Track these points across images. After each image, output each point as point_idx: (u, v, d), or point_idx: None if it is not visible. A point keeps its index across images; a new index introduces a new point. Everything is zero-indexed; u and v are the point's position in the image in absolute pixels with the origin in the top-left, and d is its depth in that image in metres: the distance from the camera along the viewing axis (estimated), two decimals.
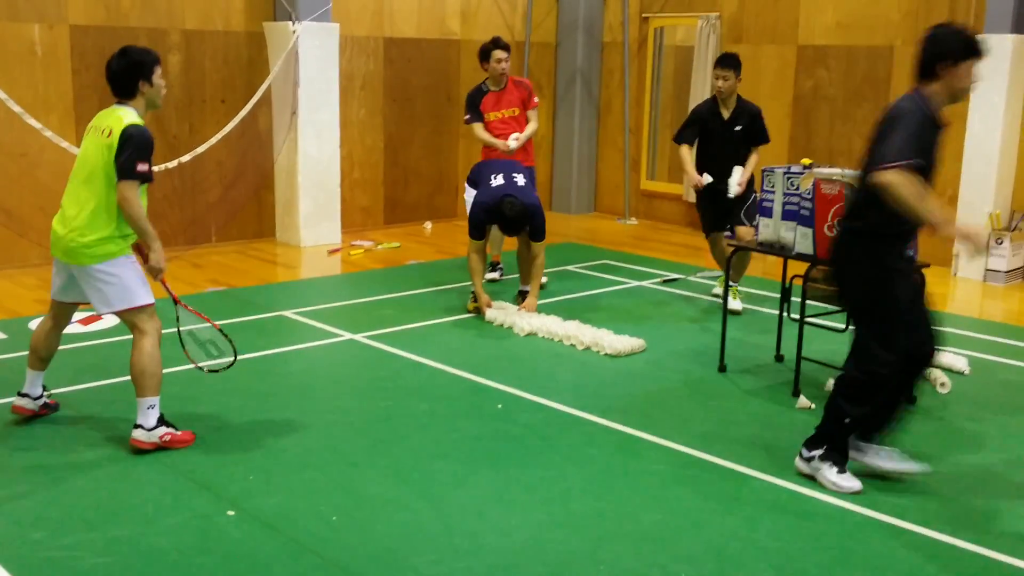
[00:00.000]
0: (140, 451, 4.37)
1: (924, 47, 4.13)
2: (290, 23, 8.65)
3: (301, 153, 8.86)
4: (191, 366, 4.86)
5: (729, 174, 6.73)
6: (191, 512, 3.87)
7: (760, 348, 6.15)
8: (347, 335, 6.28)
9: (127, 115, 4.31)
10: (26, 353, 4.76)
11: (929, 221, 3.90)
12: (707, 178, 6.82)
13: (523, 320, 6.45)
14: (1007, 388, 5.59)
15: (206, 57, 8.66)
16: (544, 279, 7.47)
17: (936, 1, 8.57)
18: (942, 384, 5.47)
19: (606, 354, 5.98)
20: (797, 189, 5.26)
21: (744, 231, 6.76)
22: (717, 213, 6.97)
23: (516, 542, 3.71)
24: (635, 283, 7.90)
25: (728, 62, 6.76)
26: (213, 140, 8.46)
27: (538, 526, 3.83)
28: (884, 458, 4.30)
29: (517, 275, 7.31)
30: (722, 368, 5.74)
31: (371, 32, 9.66)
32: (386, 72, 9.83)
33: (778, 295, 5.93)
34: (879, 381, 4.10)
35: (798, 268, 5.31)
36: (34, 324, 6.03)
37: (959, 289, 8.07)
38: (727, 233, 7.04)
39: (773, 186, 5.44)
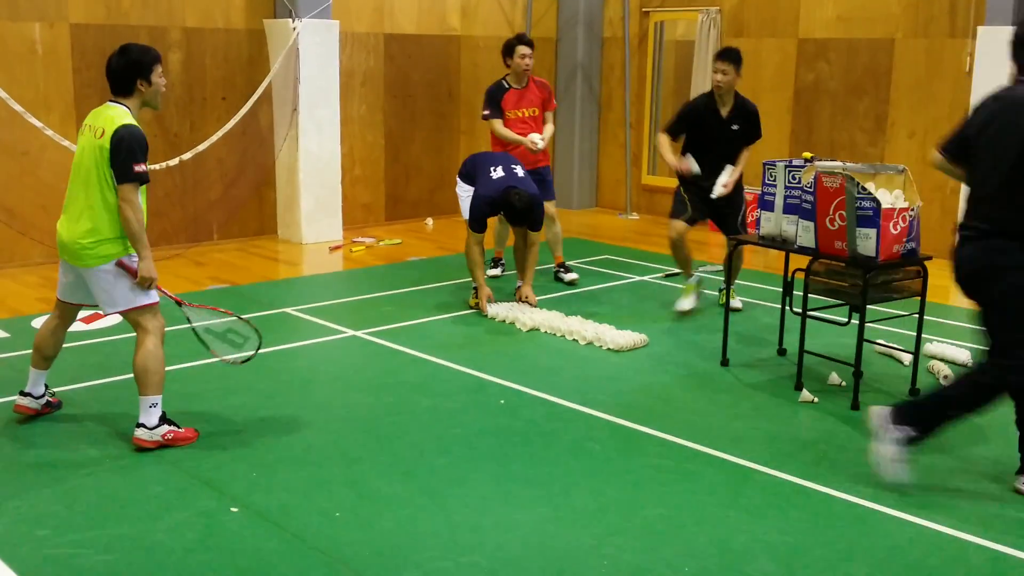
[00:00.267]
0: (142, 450, 4.37)
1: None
2: (290, 20, 8.65)
3: (302, 150, 8.86)
4: (197, 363, 4.86)
5: (719, 173, 6.53)
6: (194, 509, 3.88)
7: (762, 342, 6.15)
8: (349, 332, 6.28)
9: (119, 115, 4.29)
10: (29, 352, 4.77)
11: None
12: (695, 167, 6.56)
13: (525, 315, 6.45)
14: None
15: (206, 55, 8.66)
16: (575, 275, 7.63)
17: None
18: (945, 376, 5.47)
19: (608, 349, 5.98)
20: (799, 183, 5.25)
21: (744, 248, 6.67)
22: (699, 207, 6.67)
23: (519, 537, 3.71)
24: (637, 278, 7.89)
25: (728, 56, 6.50)
26: (214, 138, 8.46)
27: (541, 521, 3.83)
28: (892, 452, 4.16)
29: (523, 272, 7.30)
30: (724, 362, 5.74)
31: (371, 28, 9.66)
32: (387, 68, 9.83)
33: (780, 289, 5.93)
34: (1008, 386, 3.99)
35: (800, 262, 5.30)
36: (37, 323, 6.04)
37: None
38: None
39: (775, 179, 5.43)
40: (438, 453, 4.46)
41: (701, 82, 9.96)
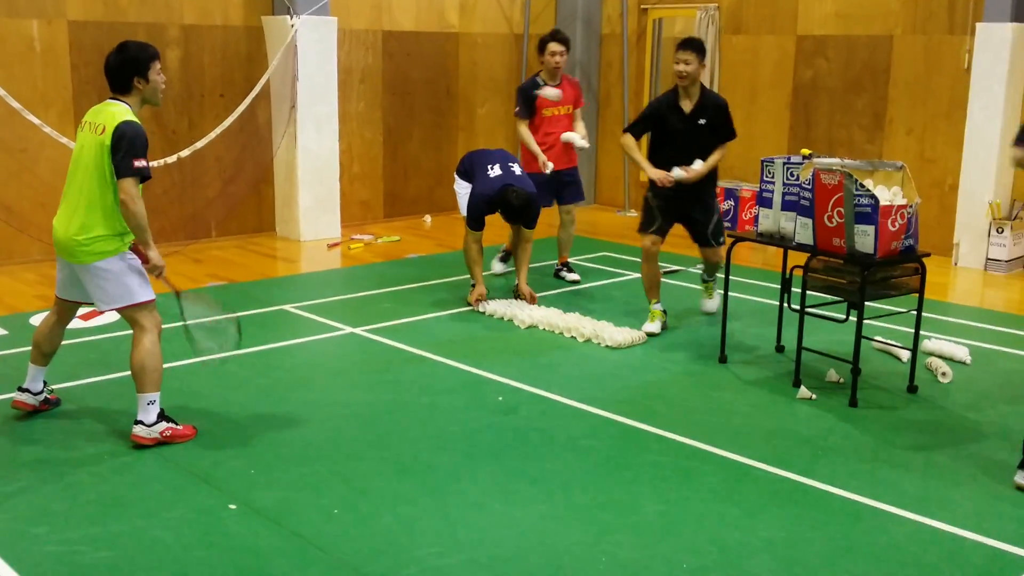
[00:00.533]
0: (141, 447, 4.37)
1: None
2: (288, 17, 8.64)
3: (300, 147, 8.86)
4: (195, 360, 4.85)
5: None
6: (193, 506, 3.88)
7: (761, 339, 6.15)
8: (347, 329, 6.28)
9: (120, 112, 4.30)
10: (27, 349, 4.77)
11: None
12: (677, 172, 6.00)
13: (524, 313, 6.45)
14: (1008, 377, 5.59)
15: (204, 52, 8.65)
16: (575, 276, 7.53)
17: None
18: (943, 374, 5.47)
19: (607, 346, 5.98)
20: (797, 179, 5.25)
21: (712, 255, 6.37)
22: (669, 213, 6.18)
23: (518, 534, 3.71)
24: (635, 275, 7.88)
25: (691, 45, 6.01)
26: (212, 135, 8.45)
27: (540, 518, 3.84)
28: None
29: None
30: (723, 359, 5.74)
31: (369, 25, 9.65)
32: (385, 65, 9.82)
33: (778, 286, 5.93)
34: None
35: (798, 259, 5.31)
36: (35, 320, 6.04)
37: (960, 278, 8.06)
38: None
39: (773, 176, 5.43)
40: (436, 450, 4.46)
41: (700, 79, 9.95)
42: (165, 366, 4.49)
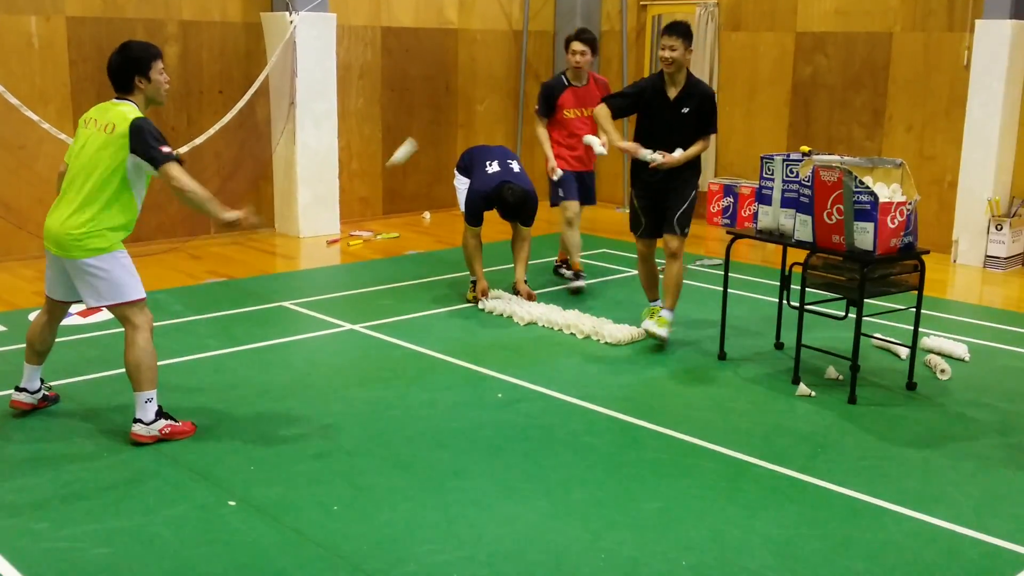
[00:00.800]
0: (140, 445, 4.37)
1: None
2: (287, 13, 8.62)
3: (299, 144, 8.85)
4: (194, 357, 4.84)
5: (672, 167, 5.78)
6: (192, 503, 3.88)
7: (760, 336, 6.16)
8: (347, 325, 6.28)
9: (130, 110, 4.31)
10: (24, 346, 4.76)
11: None
12: (655, 155, 5.69)
13: (523, 309, 6.45)
14: (1007, 374, 5.59)
15: (203, 48, 8.64)
16: (581, 283, 7.16)
17: None
18: (942, 371, 5.48)
19: (606, 343, 5.98)
20: (796, 176, 5.25)
21: (673, 243, 5.85)
22: (652, 211, 5.94)
23: (517, 531, 3.71)
24: (634, 272, 7.88)
25: (676, 30, 5.71)
26: (211, 131, 8.44)
27: (538, 515, 3.84)
28: None
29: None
30: (722, 356, 5.74)
31: (368, 22, 9.64)
32: (384, 62, 9.81)
33: (778, 283, 5.93)
34: None
35: (798, 256, 5.31)
36: (33, 316, 6.03)
37: (959, 275, 8.07)
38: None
39: (772, 173, 5.43)
40: (435, 447, 4.46)
41: (699, 75, 9.88)
42: (163, 363, 4.49)
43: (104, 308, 4.43)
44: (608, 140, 5.94)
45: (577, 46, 6.94)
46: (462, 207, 6.80)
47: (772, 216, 5.47)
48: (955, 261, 8.42)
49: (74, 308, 4.76)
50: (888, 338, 5.93)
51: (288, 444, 4.46)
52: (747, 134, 9.92)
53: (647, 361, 5.70)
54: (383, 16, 9.73)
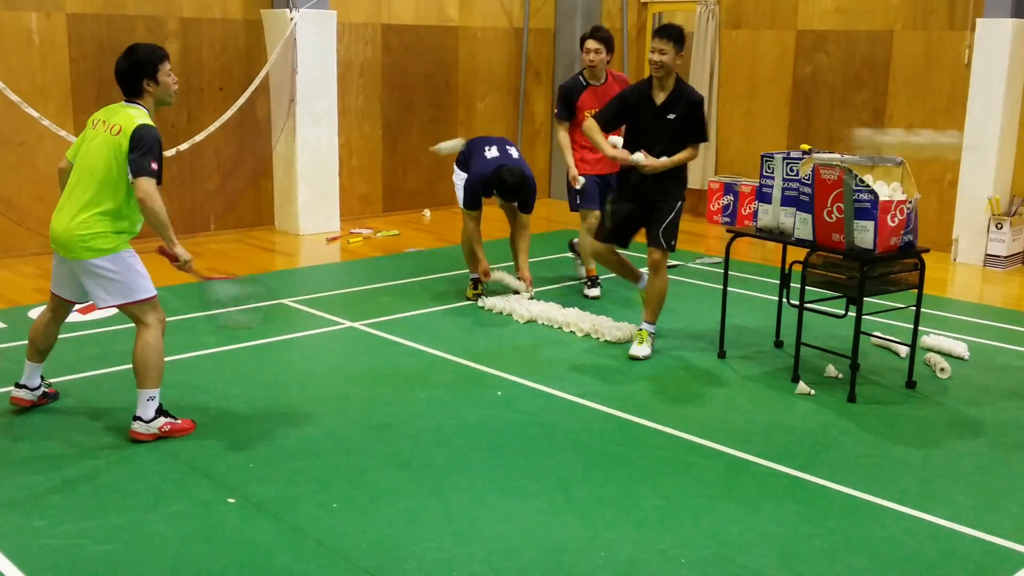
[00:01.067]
0: (140, 443, 4.37)
1: None
2: (288, 10, 8.62)
3: (299, 141, 8.85)
4: (194, 354, 4.83)
5: (655, 172, 5.61)
6: (191, 500, 3.88)
7: (759, 334, 6.16)
8: (346, 323, 6.27)
9: (138, 115, 4.32)
10: (25, 343, 4.76)
11: None
12: (638, 156, 5.54)
13: (522, 307, 6.45)
14: (1007, 373, 5.59)
15: (204, 45, 8.63)
16: (596, 291, 6.95)
17: None
18: (942, 369, 5.47)
19: (606, 341, 5.98)
20: (796, 175, 5.25)
21: (656, 255, 5.65)
22: (630, 217, 5.77)
23: (516, 528, 3.71)
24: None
25: (667, 33, 5.52)
26: (211, 128, 8.44)
27: (538, 512, 3.84)
28: None
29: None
30: (721, 354, 5.74)
31: (369, 19, 9.63)
32: (384, 59, 9.81)
33: (777, 281, 5.93)
34: None
35: (798, 254, 5.30)
36: (34, 313, 6.03)
37: (959, 274, 8.07)
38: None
39: (773, 172, 5.43)
40: (435, 445, 4.46)
41: (700, 74, 9.96)
42: (163, 360, 4.48)
43: (115, 307, 4.43)
44: (601, 152, 5.77)
45: (592, 44, 6.73)
46: (461, 203, 6.79)
47: (772, 214, 5.46)
48: (955, 260, 8.42)
49: (76, 305, 4.76)
50: (888, 336, 5.93)
51: (287, 441, 4.46)
52: (747, 132, 9.92)
53: (647, 359, 5.69)
54: (383, 13, 9.72)
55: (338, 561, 3.47)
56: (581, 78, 6.85)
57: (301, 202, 8.97)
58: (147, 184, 4.24)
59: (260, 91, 8.79)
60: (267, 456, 4.29)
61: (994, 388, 5.33)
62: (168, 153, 8.19)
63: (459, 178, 6.84)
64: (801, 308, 5.27)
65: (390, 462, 4.27)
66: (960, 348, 5.83)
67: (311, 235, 9.00)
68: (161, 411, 4.42)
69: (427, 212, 10.18)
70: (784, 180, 5.37)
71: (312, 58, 8.77)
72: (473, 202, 6.63)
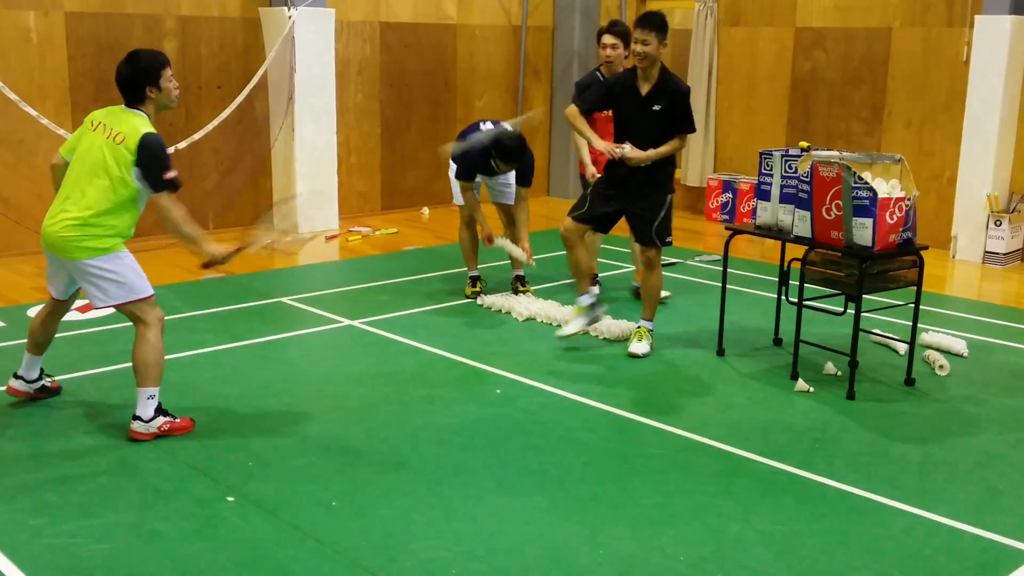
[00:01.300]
0: (139, 442, 4.37)
1: None
2: (286, 8, 8.61)
3: (298, 139, 8.84)
4: (193, 352, 4.84)
5: (639, 164, 5.50)
6: (191, 498, 3.88)
7: (758, 332, 6.16)
8: (345, 321, 6.27)
9: (141, 122, 4.31)
10: (24, 341, 4.76)
11: None
12: (625, 148, 5.44)
13: (521, 305, 6.45)
14: (1006, 370, 5.59)
15: (202, 43, 8.63)
16: (666, 293, 6.73)
17: None
18: (941, 366, 5.48)
19: (604, 338, 5.98)
20: (795, 172, 5.25)
21: (651, 253, 5.63)
22: (610, 200, 5.66)
23: (515, 526, 3.71)
24: (632, 268, 7.89)
25: (649, 22, 5.35)
26: (209, 127, 8.43)
27: (537, 510, 3.84)
28: None
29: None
30: (720, 352, 5.74)
31: (367, 17, 9.62)
32: (383, 57, 9.80)
33: (776, 279, 5.93)
34: None
35: (796, 251, 5.30)
36: (32, 311, 6.03)
37: (958, 271, 8.07)
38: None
39: (771, 169, 5.43)
40: (434, 443, 4.46)
41: (699, 71, 9.95)
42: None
43: (112, 307, 4.42)
44: (586, 141, 5.65)
45: (608, 39, 6.46)
46: (456, 199, 6.79)
47: (771, 212, 5.46)
48: (954, 257, 8.42)
49: (74, 303, 4.77)
50: (887, 334, 5.93)
51: (286, 440, 4.46)
52: (746, 130, 9.91)
53: (645, 357, 5.69)
54: (382, 11, 9.72)
55: (337, 559, 3.47)
56: (598, 74, 6.61)
57: (300, 200, 8.96)
58: (164, 200, 4.29)
59: (258, 89, 8.79)
60: (266, 454, 4.29)
61: (993, 385, 5.33)
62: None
63: (454, 173, 6.84)
64: (800, 305, 5.27)
65: (389, 460, 4.27)
66: (959, 345, 5.83)
67: (310, 233, 8.96)
68: (160, 410, 4.42)
69: (426, 210, 10.18)
70: (783, 177, 5.37)
71: (310, 56, 8.77)
72: (468, 172, 6.52)
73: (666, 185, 5.61)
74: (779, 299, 5.84)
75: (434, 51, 10.21)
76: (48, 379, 4.83)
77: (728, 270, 5.76)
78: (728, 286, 5.82)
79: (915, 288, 5.21)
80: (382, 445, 4.43)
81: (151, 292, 4.42)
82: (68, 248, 4.27)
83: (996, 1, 7.98)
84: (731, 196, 9.81)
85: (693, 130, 5.58)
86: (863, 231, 4.84)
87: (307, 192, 4.78)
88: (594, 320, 5.81)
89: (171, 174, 4.30)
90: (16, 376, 4.71)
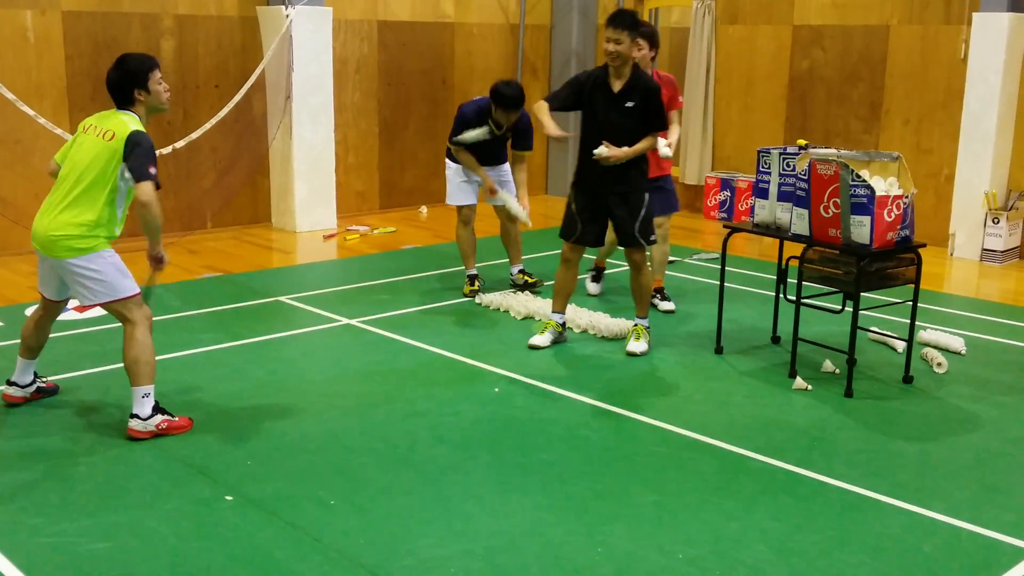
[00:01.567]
0: (137, 440, 4.36)
1: None
2: (283, 7, 8.60)
3: (296, 138, 8.84)
4: (191, 352, 4.83)
5: (616, 163, 5.43)
6: (189, 497, 3.88)
7: (756, 330, 6.16)
8: (343, 320, 6.27)
9: (131, 120, 4.33)
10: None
11: None
12: (603, 148, 5.37)
13: (520, 304, 6.45)
14: (1004, 368, 5.60)
15: (199, 42, 8.62)
16: (670, 306, 6.57)
17: None
18: (939, 364, 5.48)
19: (602, 337, 5.98)
20: (793, 170, 5.25)
21: (637, 255, 5.61)
22: (593, 214, 5.62)
23: (514, 525, 3.71)
24: (627, 266, 7.88)
25: (620, 21, 5.33)
26: (207, 126, 8.42)
27: (535, 508, 3.84)
28: None
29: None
30: (718, 350, 5.74)
31: (365, 15, 9.62)
32: (380, 56, 9.79)
33: (774, 277, 5.93)
34: None
35: (794, 249, 5.30)
36: (31, 311, 6.02)
37: (956, 269, 8.07)
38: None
39: (769, 167, 5.43)
40: (433, 441, 4.46)
41: (697, 69, 9.95)
42: (159, 358, 4.48)
43: (99, 306, 4.43)
44: (545, 129, 5.45)
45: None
46: (450, 199, 6.80)
47: (769, 210, 5.46)
48: (952, 255, 8.42)
49: (71, 304, 4.77)
50: (885, 332, 5.93)
51: (285, 439, 4.46)
52: (744, 128, 9.92)
53: (643, 355, 5.69)
54: (379, 10, 9.71)
55: (336, 558, 3.47)
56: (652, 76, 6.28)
57: (298, 199, 8.96)
58: (147, 189, 4.26)
59: (256, 88, 8.78)
60: (264, 453, 4.29)
61: (991, 383, 5.33)
62: (164, 151, 8.18)
63: (451, 170, 6.84)
64: (798, 303, 5.27)
65: (387, 459, 4.27)
66: (957, 343, 5.83)
67: (308, 232, 8.99)
68: (158, 409, 4.42)
69: (424, 209, 10.17)
70: (781, 175, 5.36)
71: (308, 55, 8.76)
72: (461, 130, 6.57)
73: (642, 183, 5.57)
74: (777, 297, 5.84)
75: (432, 50, 10.20)
76: (42, 380, 4.83)
77: (726, 268, 5.76)
78: (726, 284, 5.82)
79: (913, 286, 5.21)
80: (380, 444, 4.43)
81: (137, 291, 4.42)
82: (54, 247, 4.29)
83: None
84: (729, 194, 9.81)
85: (665, 127, 5.58)
86: (861, 229, 4.84)
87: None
88: (559, 340, 5.85)
89: (154, 170, 4.29)
90: (10, 383, 4.71)
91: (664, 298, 6.62)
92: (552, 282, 5.95)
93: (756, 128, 9.78)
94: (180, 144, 8.28)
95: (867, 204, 4.79)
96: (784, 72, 9.56)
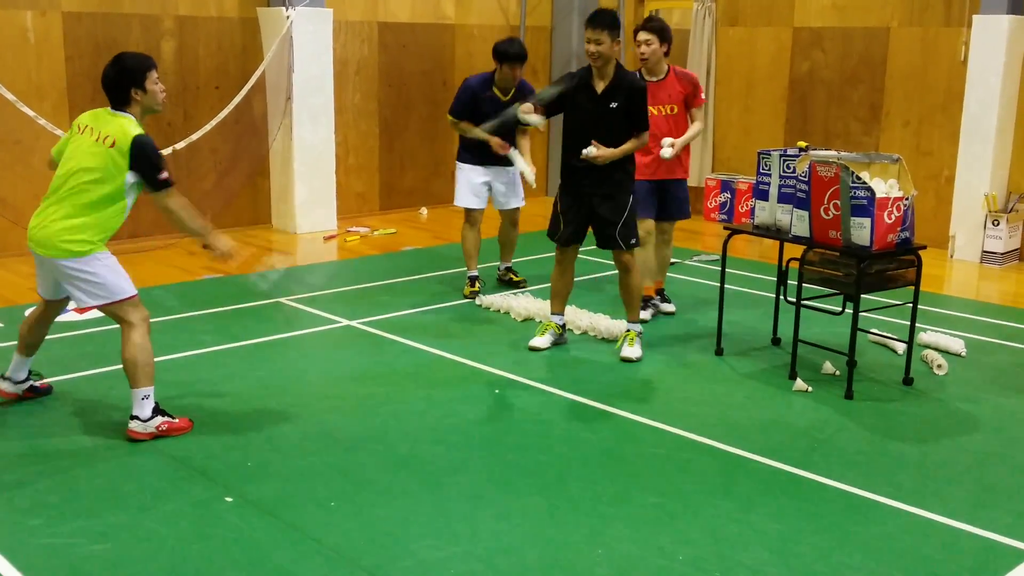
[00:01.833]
0: (136, 442, 4.36)
1: None
2: (284, 8, 8.61)
3: (296, 139, 8.84)
4: (190, 353, 4.83)
5: (604, 163, 5.40)
6: (189, 499, 3.88)
7: (756, 331, 6.16)
8: (343, 321, 6.27)
9: (130, 125, 4.30)
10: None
11: None
12: (590, 149, 5.34)
13: (520, 305, 6.45)
14: (1003, 370, 5.60)
15: (199, 43, 8.62)
16: (671, 308, 6.56)
17: None
18: (939, 366, 5.48)
19: (602, 338, 5.98)
20: (793, 172, 5.25)
21: (624, 257, 5.56)
22: (578, 216, 5.60)
23: (514, 526, 3.71)
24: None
25: (599, 21, 5.30)
26: (207, 127, 8.43)
27: (535, 510, 3.84)
28: None
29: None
30: (719, 352, 5.74)
31: (365, 17, 9.62)
32: (381, 57, 9.80)
33: (774, 278, 5.93)
34: None
35: (794, 251, 5.31)
36: (29, 312, 6.02)
37: (956, 271, 8.07)
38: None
39: (769, 169, 5.43)
40: (432, 442, 4.46)
41: (697, 70, 9.94)
42: (159, 359, 4.48)
43: (96, 308, 4.41)
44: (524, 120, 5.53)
45: (642, 35, 6.11)
46: (457, 200, 6.81)
47: (769, 211, 5.46)
48: (952, 256, 8.42)
49: (71, 305, 4.77)
50: (885, 333, 5.93)
51: (285, 440, 4.45)
52: (744, 129, 9.92)
53: (643, 357, 5.69)
54: (380, 11, 9.71)
55: (336, 559, 3.47)
56: (638, 73, 6.17)
57: (298, 201, 8.97)
58: (167, 198, 4.32)
59: (256, 89, 8.78)
60: (264, 455, 4.29)
61: (991, 385, 5.33)
62: (164, 152, 8.18)
63: (461, 172, 6.85)
64: (798, 305, 5.27)
65: (388, 460, 4.27)
66: (957, 345, 5.83)
67: (308, 234, 8.99)
68: (158, 410, 4.42)
69: (424, 210, 10.17)
70: (781, 177, 5.37)
71: (308, 56, 8.76)
72: (460, 106, 6.62)
73: (627, 185, 5.53)
74: (777, 299, 5.84)
75: (432, 51, 10.20)
76: (37, 379, 4.83)
77: (726, 270, 5.76)
78: (726, 286, 5.82)
79: (913, 288, 5.21)
80: (380, 445, 4.42)
81: (133, 293, 4.40)
82: (49, 248, 4.28)
83: (994, 1, 7.98)
84: (729, 196, 9.82)
85: (646, 127, 5.51)
86: (861, 231, 4.84)
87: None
88: (559, 342, 5.84)
89: (166, 173, 4.32)
90: (3, 377, 4.71)
91: (665, 300, 6.63)
92: (546, 285, 5.94)
93: (756, 130, 9.79)
94: (180, 145, 8.28)
95: (867, 206, 4.79)
96: (784, 74, 9.56)
